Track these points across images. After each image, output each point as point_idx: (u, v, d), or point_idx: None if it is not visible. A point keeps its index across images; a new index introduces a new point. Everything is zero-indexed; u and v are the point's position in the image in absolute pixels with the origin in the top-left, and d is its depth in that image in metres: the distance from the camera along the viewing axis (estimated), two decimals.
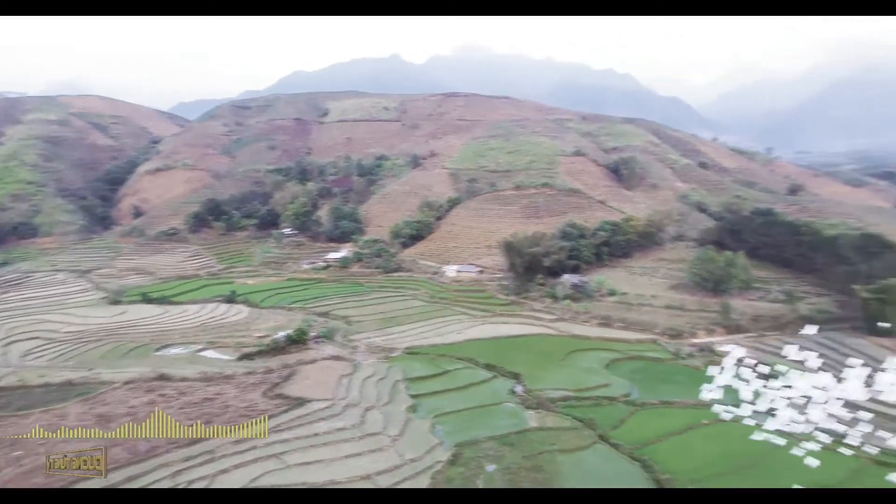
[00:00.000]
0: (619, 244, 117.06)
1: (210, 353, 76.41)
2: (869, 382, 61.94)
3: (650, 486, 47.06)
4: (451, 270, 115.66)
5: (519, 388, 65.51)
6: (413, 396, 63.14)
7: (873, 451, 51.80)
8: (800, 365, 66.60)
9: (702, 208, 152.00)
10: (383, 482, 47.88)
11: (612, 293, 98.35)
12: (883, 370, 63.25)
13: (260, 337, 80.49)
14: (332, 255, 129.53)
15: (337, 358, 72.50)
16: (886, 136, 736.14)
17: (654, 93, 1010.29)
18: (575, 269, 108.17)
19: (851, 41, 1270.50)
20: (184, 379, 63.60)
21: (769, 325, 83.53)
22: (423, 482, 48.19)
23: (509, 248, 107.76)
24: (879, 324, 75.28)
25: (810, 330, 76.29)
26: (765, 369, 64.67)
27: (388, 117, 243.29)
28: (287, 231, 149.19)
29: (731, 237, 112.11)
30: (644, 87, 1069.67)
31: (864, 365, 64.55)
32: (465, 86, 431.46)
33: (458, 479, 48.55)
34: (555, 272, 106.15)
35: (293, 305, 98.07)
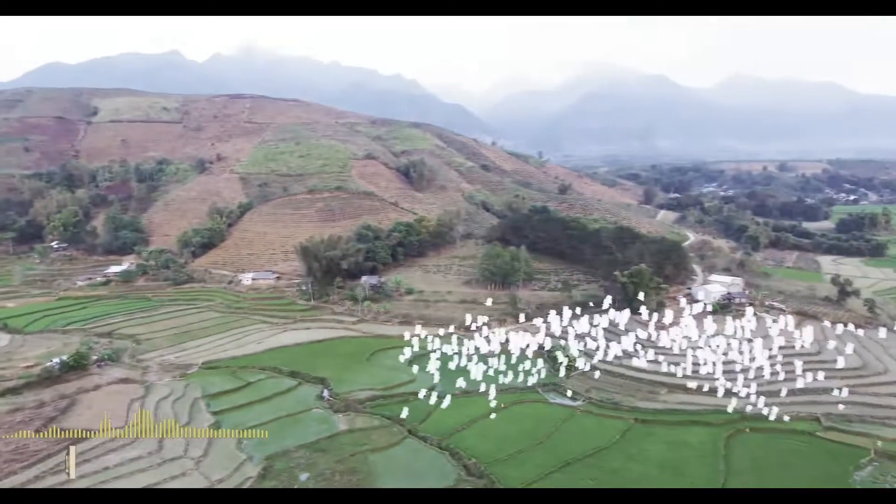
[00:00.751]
0: (413, 244, 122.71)
1: None
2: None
3: (458, 473, 50.66)
4: (246, 278, 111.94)
5: (326, 393, 66.12)
6: (215, 413, 60.48)
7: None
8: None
9: (486, 207, 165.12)
10: None
11: (409, 292, 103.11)
12: None
13: (27, 367, 70.64)
14: (113, 269, 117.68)
15: (126, 381, 66.85)
16: (628, 143, 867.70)
17: (438, 99, 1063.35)
18: (373, 271, 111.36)
19: (597, 61, 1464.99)
20: None
21: (551, 311, 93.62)
22: None
23: (306, 253, 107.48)
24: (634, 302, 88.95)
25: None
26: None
27: (169, 118, 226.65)
28: (55, 244, 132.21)
29: (513, 233, 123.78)
30: (429, 92, 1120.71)
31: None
32: (250, 87, 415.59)
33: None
34: (353, 274, 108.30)
35: (69, 327, 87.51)
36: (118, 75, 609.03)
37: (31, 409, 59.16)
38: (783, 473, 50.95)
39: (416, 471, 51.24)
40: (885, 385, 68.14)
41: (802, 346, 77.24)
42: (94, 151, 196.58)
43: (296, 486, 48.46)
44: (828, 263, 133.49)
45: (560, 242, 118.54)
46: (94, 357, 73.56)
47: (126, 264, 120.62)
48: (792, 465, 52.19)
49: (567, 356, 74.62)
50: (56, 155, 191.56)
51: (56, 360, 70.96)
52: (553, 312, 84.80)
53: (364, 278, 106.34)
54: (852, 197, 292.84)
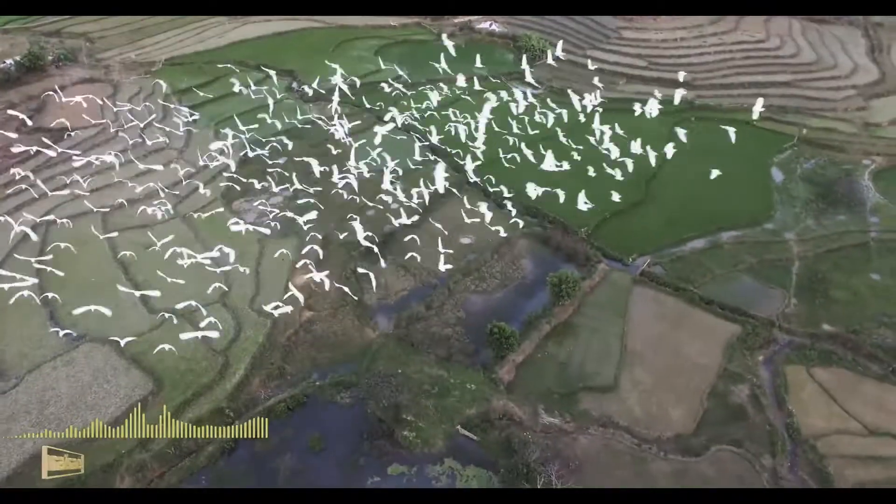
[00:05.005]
0: None
1: None
2: None
3: (425, 152, 54.91)
4: None
5: (295, 84, 66.77)
6: (188, 107, 61.85)
7: None
8: None
9: None
10: (182, 191, 50.13)
11: None
12: None
13: None
14: None
15: (91, 80, 66.15)
16: None
17: None
18: None
19: None
20: None
21: None
22: (220, 184, 51.19)
23: None
24: None
25: None
26: None
27: None
28: None
29: None
30: None
31: None
32: None
33: (253, 176, 51.94)
34: None
35: (8, 26, 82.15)
36: None
37: (3, 110, 59.51)
38: (714, 156, 55.43)
39: (389, 149, 54.37)
40: (829, 80, 70.79)
41: (765, 41, 78.03)
42: None
43: (275, 172, 52.10)
44: None
45: None
46: (50, 57, 71.04)
47: None
48: (723, 149, 55.71)
49: (532, 46, 74.47)
50: None
51: (9, 61, 68.51)
52: None
53: None
54: None
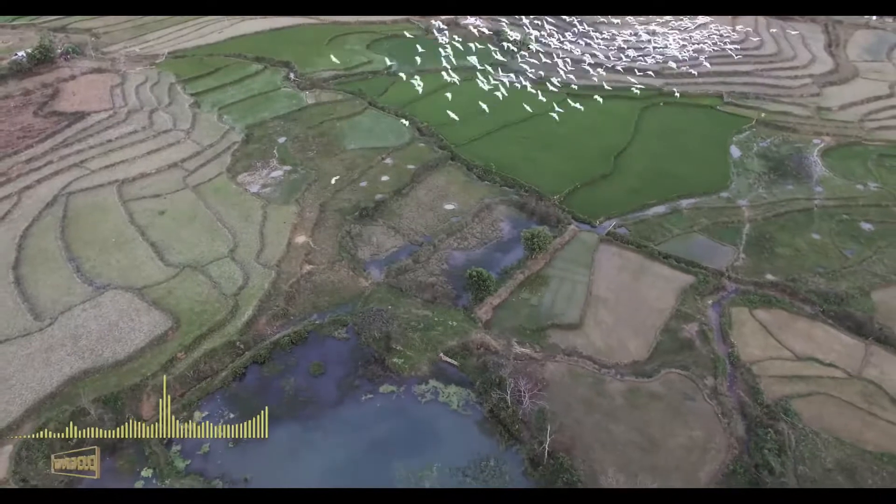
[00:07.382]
0: None
1: None
2: None
3: (413, 133, 59.79)
4: None
5: (291, 74, 71.51)
6: (193, 95, 66.27)
7: None
8: None
9: None
10: (191, 165, 54.48)
11: None
12: None
13: None
14: None
15: (99, 71, 70.32)
16: None
17: None
18: None
19: None
20: None
21: None
22: (225, 160, 55.60)
23: None
24: None
25: None
26: None
27: None
28: None
29: None
30: None
31: None
32: None
33: (255, 153, 56.64)
34: None
35: (16, 22, 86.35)
36: None
37: (20, 96, 63.86)
38: (678, 136, 61.67)
39: (377, 133, 59.80)
40: (789, 69, 76.96)
41: (732, 33, 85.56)
42: None
43: (276, 147, 56.75)
44: None
45: None
46: (59, 51, 75.28)
47: None
48: (687, 130, 62.59)
49: (514, 40, 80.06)
50: None
51: (21, 53, 72.72)
52: None
53: None
54: None
